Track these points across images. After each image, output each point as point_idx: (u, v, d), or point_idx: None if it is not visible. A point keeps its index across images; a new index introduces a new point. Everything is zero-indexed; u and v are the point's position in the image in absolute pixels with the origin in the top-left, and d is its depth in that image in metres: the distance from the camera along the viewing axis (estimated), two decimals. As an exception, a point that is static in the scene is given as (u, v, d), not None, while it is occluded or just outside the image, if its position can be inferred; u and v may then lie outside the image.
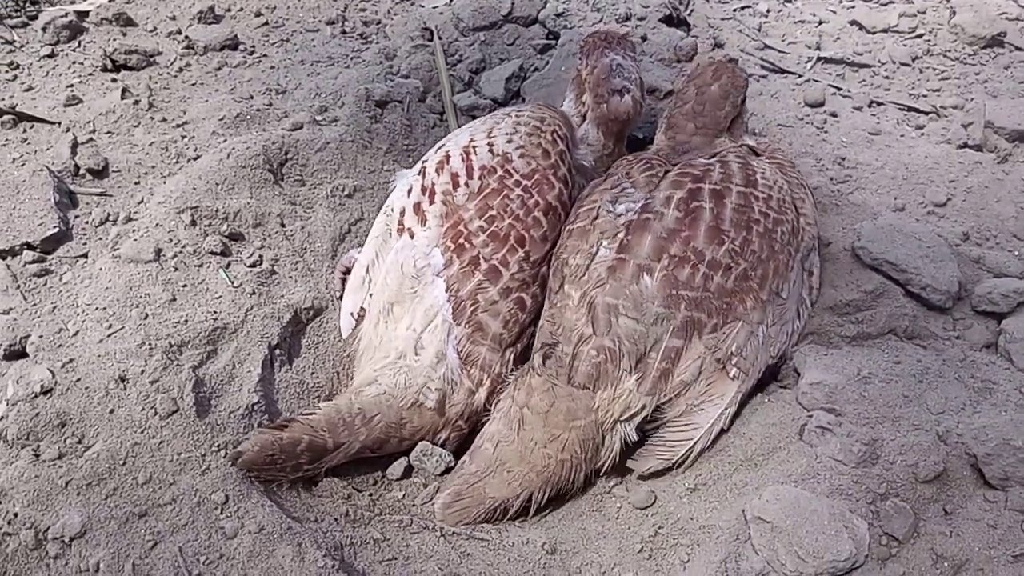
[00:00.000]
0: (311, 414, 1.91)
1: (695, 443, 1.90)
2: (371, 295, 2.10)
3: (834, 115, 2.94)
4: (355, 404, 1.94)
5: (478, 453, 1.94)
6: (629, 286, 1.97)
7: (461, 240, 2.07)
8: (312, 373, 2.10)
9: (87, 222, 2.28)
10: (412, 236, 2.10)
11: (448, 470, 1.98)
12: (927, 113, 2.99)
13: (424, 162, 2.26)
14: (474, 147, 2.21)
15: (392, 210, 2.20)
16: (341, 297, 2.27)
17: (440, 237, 2.08)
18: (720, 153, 2.27)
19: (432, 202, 2.13)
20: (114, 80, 2.89)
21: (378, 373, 2.00)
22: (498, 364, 2.05)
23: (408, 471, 2.00)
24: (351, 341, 2.11)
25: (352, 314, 2.13)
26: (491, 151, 2.20)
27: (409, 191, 2.19)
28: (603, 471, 1.97)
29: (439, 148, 2.29)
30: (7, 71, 2.97)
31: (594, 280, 2.00)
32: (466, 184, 2.14)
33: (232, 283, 2.12)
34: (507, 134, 2.25)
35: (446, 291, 2.03)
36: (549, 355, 1.98)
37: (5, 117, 2.65)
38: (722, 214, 2.04)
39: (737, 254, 1.99)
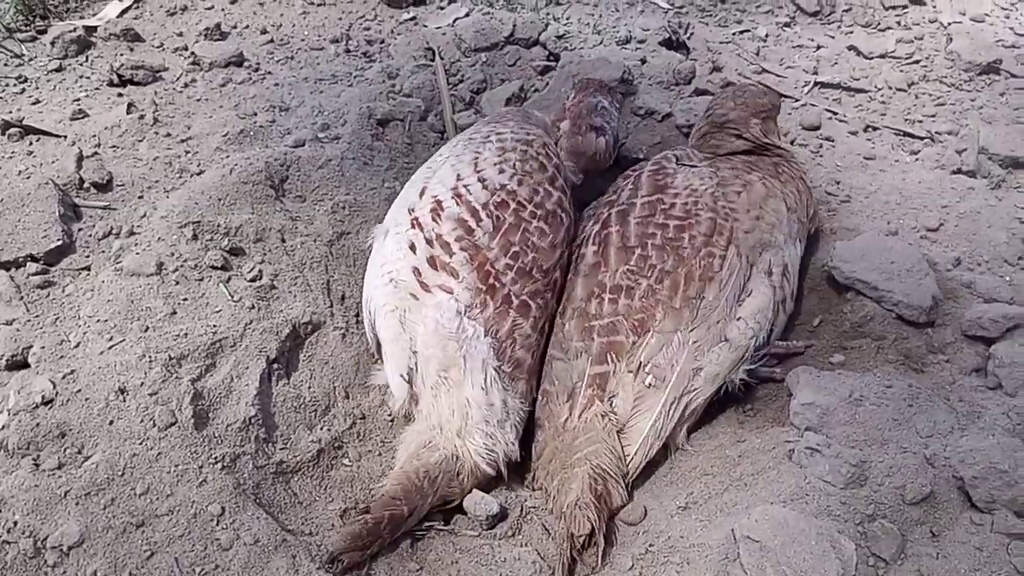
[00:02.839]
0: (387, 486, 1.90)
1: (632, 459, 1.96)
2: (415, 352, 2.03)
3: (830, 139, 2.98)
4: (421, 468, 1.92)
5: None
6: (559, 331, 2.14)
7: (491, 280, 2.07)
8: (309, 387, 2.12)
9: (90, 235, 2.31)
10: (451, 292, 2.05)
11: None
12: (922, 138, 3.03)
13: (411, 211, 2.20)
14: (466, 187, 2.20)
15: (399, 276, 2.09)
16: None
17: (474, 284, 2.06)
18: (651, 160, 2.42)
19: (451, 253, 2.09)
20: (120, 95, 2.94)
21: (436, 435, 1.99)
22: (530, 392, 2.10)
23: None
24: (408, 403, 2.07)
25: (402, 376, 2.04)
26: (484, 187, 2.20)
27: (412, 248, 2.12)
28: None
29: (423, 192, 2.23)
30: (15, 84, 3.02)
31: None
32: (479, 225, 2.13)
33: (232, 297, 2.14)
34: (496, 163, 2.26)
35: (485, 334, 2.02)
36: None
37: (12, 130, 2.69)
38: (627, 232, 2.18)
39: (636, 273, 2.10)
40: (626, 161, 2.83)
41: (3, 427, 1.82)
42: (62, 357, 1.99)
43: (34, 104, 2.90)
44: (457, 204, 2.17)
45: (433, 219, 2.15)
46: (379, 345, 2.14)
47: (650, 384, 1.98)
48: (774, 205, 2.24)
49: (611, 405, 1.99)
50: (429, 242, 2.12)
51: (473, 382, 1.98)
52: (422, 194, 2.24)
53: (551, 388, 2.09)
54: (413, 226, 2.16)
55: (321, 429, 2.07)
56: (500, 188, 2.20)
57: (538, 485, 2.05)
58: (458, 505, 1.98)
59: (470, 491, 1.98)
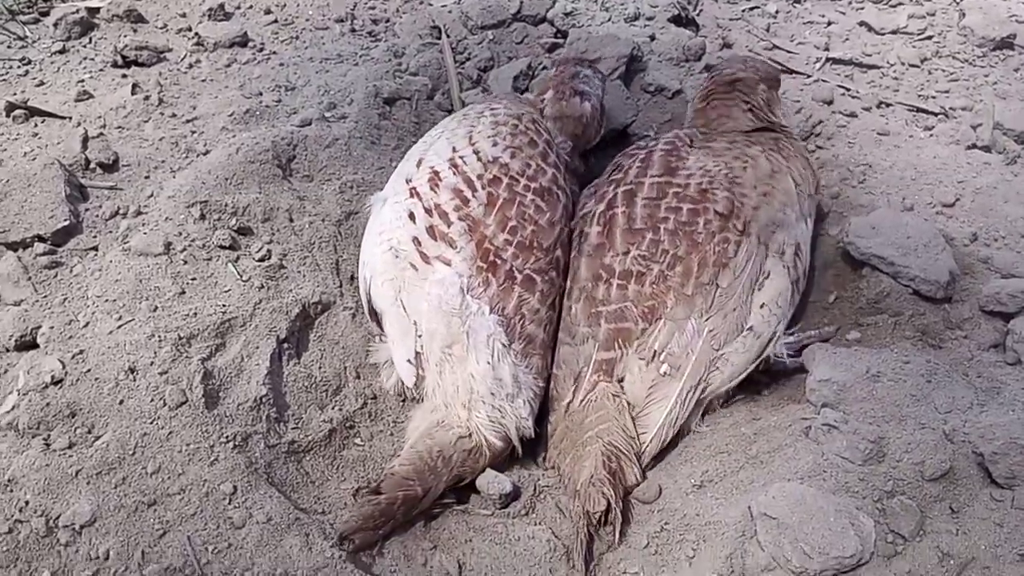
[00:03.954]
0: (399, 466, 1.86)
1: (646, 446, 1.94)
2: (419, 336, 2.01)
3: (843, 115, 2.93)
4: (434, 447, 1.90)
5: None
6: (567, 314, 2.10)
7: (491, 257, 2.05)
8: (320, 367, 2.10)
9: (97, 215, 2.29)
10: (449, 263, 2.03)
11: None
12: (936, 114, 2.99)
13: (408, 181, 2.19)
14: (461, 158, 2.19)
15: (400, 246, 2.08)
16: None
17: (473, 256, 2.04)
18: (661, 138, 2.35)
19: (450, 223, 2.08)
20: (124, 76, 2.91)
21: (447, 413, 1.97)
22: (545, 368, 2.08)
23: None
24: (415, 388, 2.04)
25: (409, 361, 2.01)
26: (479, 158, 2.18)
27: (411, 217, 2.11)
28: None
29: (419, 163, 2.22)
30: (19, 66, 2.99)
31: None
32: (474, 196, 2.11)
33: (241, 277, 2.12)
34: (490, 136, 2.25)
35: (491, 311, 2.00)
36: None
37: (17, 112, 2.67)
38: (633, 213, 2.13)
39: (647, 259, 2.05)
40: (636, 139, 2.80)
41: (13, 407, 1.81)
42: (71, 337, 1.97)
43: (38, 86, 2.88)
44: (454, 174, 2.15)
45: (431, 188, 2.14)
46: (374, 313, 2.12)
47: (665, 373, 1.95)
48: (783, 183, 2.19)
49: (620, 387, 1.97)
50: (428, 211, 2.10)
51: (478, 357, 1.95)
52: (419, 165, 2.23)
53: (558, 372, 2.07)
54: (411, 195, 2.15)
55: (332, 409, 2.05)
56: (493, 161, 2.18)
57: (551, 464, 2.03)
58: (471, 483, 1.96)
59: (484, 469, 1.96)
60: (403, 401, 2.12)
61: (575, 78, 2.53)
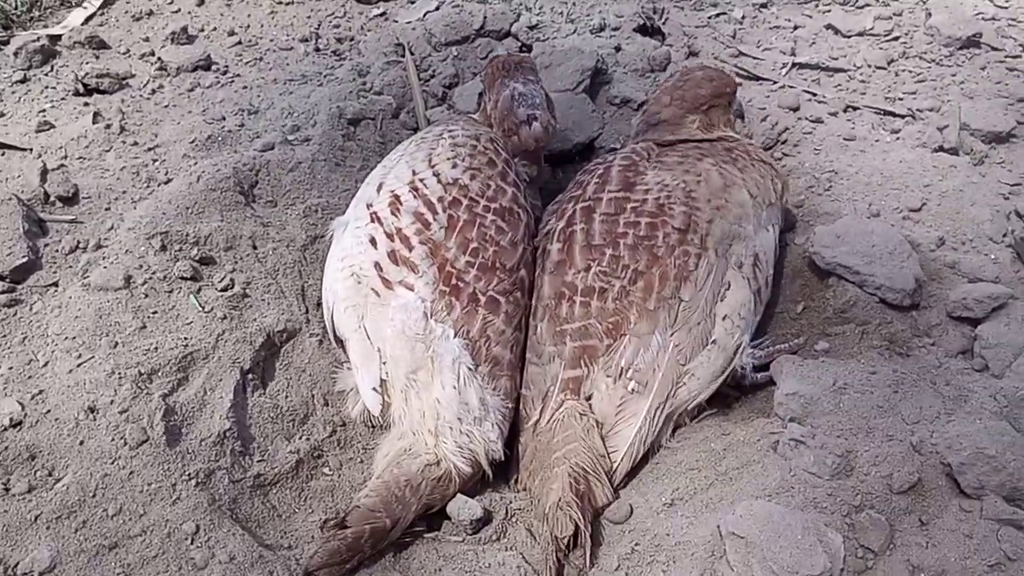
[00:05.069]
0: (364, 498, 1.83)
1: (617, 465, 1.93)
2: (384, 362, 1.99)
3: (809, 121, 2.93)
4: (401, 476, 1.87)
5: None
6: (532, 334, 2.10)
7: (454, 281, 2.04)
8: (286, 396, 2.08)
9: (57, 250, 2.26)
10: (411, 288, 2.03)
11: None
12: (903, 117, 2.98)
13: (369, 206, 2.18)
14: (421, 180, 2.18)
15: (361, 272, 2.08)
16: None
17: (435, 280, 2.03)
18: (619, 152, 2.33)
19: (411, 247, 2.07)
20: (86, 104, 2.88)
21: (415, 440, 1.95)
22: (514, 389, 2.07)
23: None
24: (381, 416, 2.03)
25: (375, 388, 1.99)
26: (439, 180, 2.17)
27: (372, 242, 2.10)
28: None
29: (380, 188, 2.21)
30: (-21, 98, 2.96)
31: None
32: (435, 219, 2.10)
33: (203, 308, 2.10)
34: (450, 158, 2.23)
35: (455, 335, 1.99)
36: None
37: (-23, 145, 2.64)
38: (591, 230, 2.12)
39: (608, 274, 2.04)
40: (602, 152, 2.79)
41: (-30, 452, 1.78)
42: (30, 377, 1.95)
43: (-1, 117, 2.85)
44: (415, 198, 2.14)
45: (392, 213, 2.13)
46: (339, 340, 2.11)
47: (633, 390, 1.94)
48: (737, 195, 2.18)
49: (588, 405, 1.96)
50: (389, 236, 2.09)
51: (443, 382, 1.94)
52: (379, 189, 2.21)
53: (526, 392, 2.06)
54: (372, 220, 2.14)
55: (300, 439, 2.03)
56: (453, 182, 2.17)
57: (522, 486, 2.02)
58: (442, 510, 1.94)
59: (454, 496, 1.94)
60: (372, 428, 2.10)
61: (513, 105, 2.42)
